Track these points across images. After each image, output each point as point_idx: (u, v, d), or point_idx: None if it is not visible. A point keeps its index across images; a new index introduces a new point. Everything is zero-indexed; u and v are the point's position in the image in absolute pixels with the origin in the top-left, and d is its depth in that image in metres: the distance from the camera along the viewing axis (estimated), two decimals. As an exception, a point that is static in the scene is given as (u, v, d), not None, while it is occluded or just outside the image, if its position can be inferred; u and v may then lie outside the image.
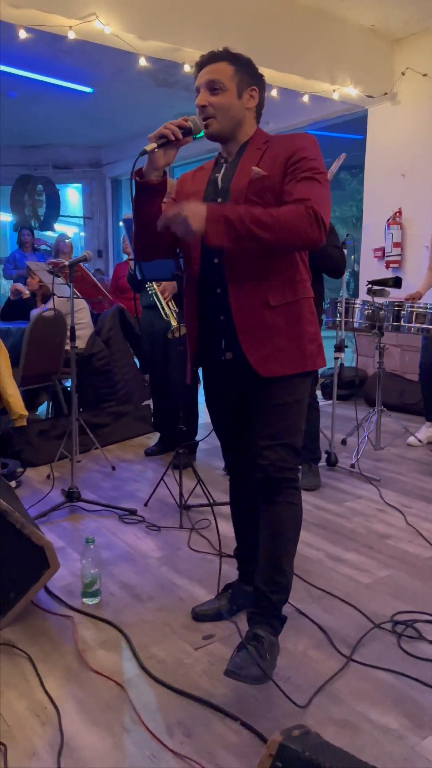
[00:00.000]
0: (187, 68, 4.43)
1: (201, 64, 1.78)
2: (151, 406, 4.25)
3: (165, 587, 2.29)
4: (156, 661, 1.84)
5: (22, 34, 3.83)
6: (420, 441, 4.13)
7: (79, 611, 2.11)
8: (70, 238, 6.32)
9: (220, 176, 1.81)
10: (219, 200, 1.77)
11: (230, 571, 2.30)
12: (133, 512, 2.96)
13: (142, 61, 4.27)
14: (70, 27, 3.77)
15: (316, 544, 2.66)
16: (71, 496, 3.01)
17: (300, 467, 1.85)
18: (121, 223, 9.82)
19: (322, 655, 1.89)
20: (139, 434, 4.45)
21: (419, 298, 3.97)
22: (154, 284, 3.41)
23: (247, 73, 1.77)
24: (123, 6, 3.87)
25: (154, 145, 1.66)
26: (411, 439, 4.18)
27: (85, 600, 2.16)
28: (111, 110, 7.47)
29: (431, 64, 5.12)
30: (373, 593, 2.25)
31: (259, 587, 1.77)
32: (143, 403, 4.77)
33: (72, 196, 10.97)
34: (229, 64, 1.75)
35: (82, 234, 10.44)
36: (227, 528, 2.57)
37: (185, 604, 2.15)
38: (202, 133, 1.77)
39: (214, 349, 1.86)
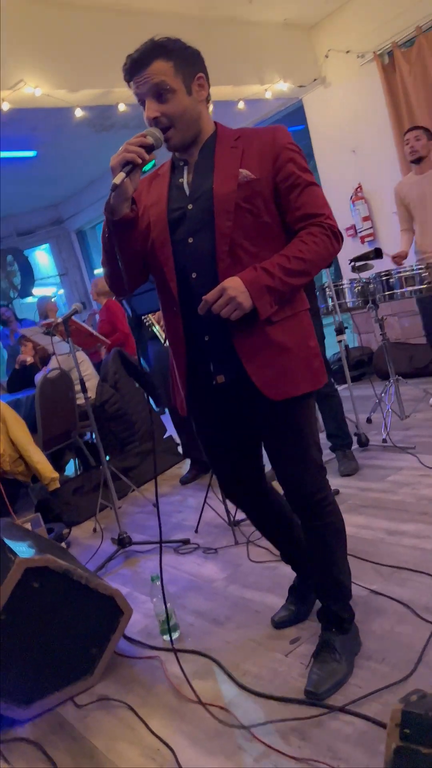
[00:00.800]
0: (122, 107, 4.53)
1: (132, 69, 1.53)
2: (175, 437, 4.29)
3: (238, 605, 2.29)
4: (252, 677, 1.84)
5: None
6: (442, 399, 4.14)
7: (163, 649, 2.11)
8: (53, 297, 6.40)
9: (185, 180, 1.63)
10: (190, 207, 1.60)
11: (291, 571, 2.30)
12: (186, 542, 2.97)
13: (78, 112, 4.37)
14: (3, 99, 3.87)
15: (371, 524, 2.66)
16: (122, 542, 3.02)
17: (327, 480, 1.78)
18: (99, 271, 9.95)
19: (410, 628, 1.88)
20: (170, 466, 4.47)
21: (405, 257, 4.00)
22: (150, 316, 3.46)
23: (186, 61, 1.55)
24: (47, 65, 3.98)
25: (122, 175, 1.48)
26: (433, 400, 4.19)
27: (165, 637, 2.17)
28: (59, 167, 7.61)
29: (350, 39, 5.23)
30: (441, 556, 2.25)
31: (320, 599, 1.82)
32: (165, 436, 4.80)
33: (41, 257, 11.13)
34: (164, 61, 1.51)
35: (61, 291, 10.56)
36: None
37: (263, 616, 2.15)
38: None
39: (202, 375, 1.70)
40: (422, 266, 3.65)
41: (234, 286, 1.50)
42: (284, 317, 1.62)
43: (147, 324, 3.54)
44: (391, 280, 3.67)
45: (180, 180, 1.64)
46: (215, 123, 1.66)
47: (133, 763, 1.64)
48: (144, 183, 1.72)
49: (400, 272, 3.64)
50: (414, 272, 3.62)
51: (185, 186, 1.63)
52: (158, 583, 2.17)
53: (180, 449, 4.34)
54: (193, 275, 1.61)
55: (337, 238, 1.60)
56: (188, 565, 2.75)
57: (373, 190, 5.47)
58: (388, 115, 5.08)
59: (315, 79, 5.48)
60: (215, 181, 1.58)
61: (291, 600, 2.12)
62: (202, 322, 1.62)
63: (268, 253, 1.59)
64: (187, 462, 4.16)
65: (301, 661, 1.86)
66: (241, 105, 5.27)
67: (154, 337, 3.62)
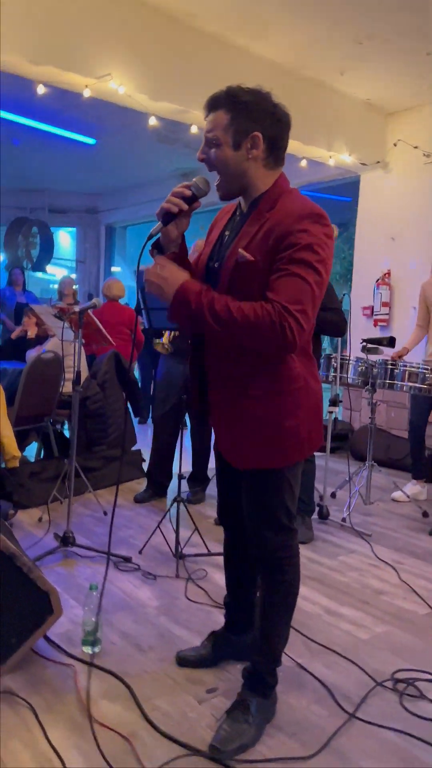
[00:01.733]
0: (194, 129, 4.63)
1: (205, 109, 1.64)
2: (143, 454, 4.28)
3: (165, 637, 2.27)
4: (160, 714, 1.82)
5: (41, 90, 3.99)
6: (407, 496, 4.20)
7: (80, 660, 2.09)
8: (73, 280, 6.46)
9: (228, 234, 1.71)
10: (216, 264, 1.68)
11: (230, 623, 2.30)
12: (128, 560, 2.94)
13: (152, 120, 4.46)
14: (87, 86, 3.94)
15: (313, 598, 2.67)
16: (66, 540, 2.99)
17: (294, 540, 1.79)
18: (116, 269, 10.00)
19: (325, 711, 1.89)
20: (130, 479, 4.45)
21: (405, 354, 4.10)
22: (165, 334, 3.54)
23: (247, 118, 1.57)
24: (138, 68, 4.07)
25: (160, 225, 1.60)
26: (397, 494, 4.24)
27: (85, 648, 2.14)
28: (111, 161, 7.72)
29: (421, 136, 5.43)
30: (372, 649, 2.27)
31: (251, 658, 1.83)
32: (133, 448, 4.78)
33: (64, 239, 11.16)
34: (225, 112, 1.58)
35: (73, 276, 10.58)
36: (222, 578, 2.58)
37: (186, 656, 2.14)
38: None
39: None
40: (429, 367, 3.75)
41: (169, 275, 1.55)
42: (266, 392, 1.61)
43: (155, 340, 3.60)
44: (395, 370, 3.76)
45: (226, 232, 1.72)
46: (276, 182, 1.64)
47: (20, 765, 1.60)
48: (224, 211, 1.81)
49: (406, 366, 3.73)
50: (419, 370, 3.72)
51: (225, 238, 1.71)
52: (96, 593, 2.15)
53: (145, 466, 4.32)
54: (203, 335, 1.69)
55: (283, 330, 1.46)
56: (124, 583, 2.73)
57: (400, 279, 5.63)
58: (434, 216, 5.27)
59: (378, 162, 5.67)
60: (230, 249, 1.64)
61: (205, 644, 2.12)
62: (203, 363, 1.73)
63: None
64: (145, 481, 4.14)
65: (212, 712, 1.85)
66: (303, 163, 5.42)
67: (170, 354, 3.68)
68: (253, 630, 2.02)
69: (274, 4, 3.93)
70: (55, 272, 10.56)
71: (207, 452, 3.87)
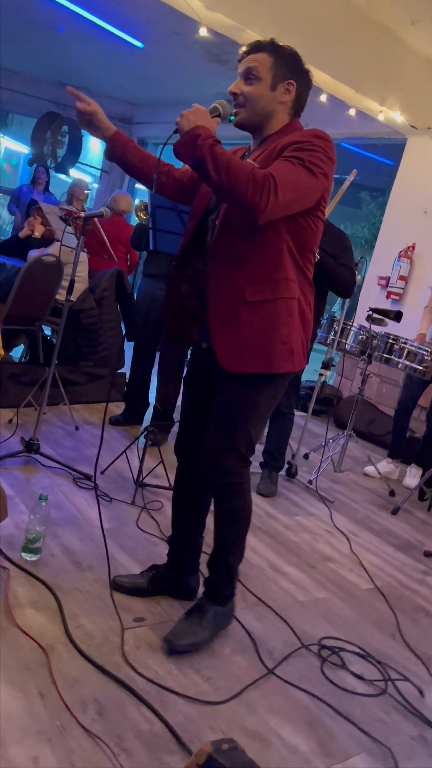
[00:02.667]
0: (243, 49, 4.35)
1: (245, 52, 1.75)
2: (127, 376, 4.22)
3: (105, 561, 2.26)
4: (83, 633, 1.83)
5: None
6: (379, 473, 4.19)
7: (16, 565, 2.08)
8: (89, 188, 6.19)
9: None
10: (215, 217, 1.80)
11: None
12: (88, 477, 2.92)
13: (203, 31, 4.18)
14: (141, -23, 3.66)
15: (260, 550, 2.67)
16: (30, 446, 2.96)
17: (246, 469, 1.88)
18: (137, 185, 9.68)
19: (246, 662, 1.90)
20: (110, 400, 4.40)
21: (424, 341, 4.00)
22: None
23: (287, 66, 1.72)
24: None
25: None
26: (369, 469, 4.23)
27: (24, 555, 2.13)
28: (156, 70, 7.32)
29: None
30: (306, 612, 2.27)
31: (209, 570, 1.94)
32: (119, 371, 4.72)
33: (94, 144, 10.75)
34: (269, 55, 1.71)
35: (96, 185, 10.25)
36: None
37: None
38: (232, 117, 1.75)
39: (185, 332, 1.93)
40: (428, 349, 3.66)
41: (196, 114, 1.62)
42: (262, 300, 1.72)
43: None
44: (395, 345, 3.67)
45: None
46: (290, 123, 1.77)
47: None
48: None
49: (405, 344, 3.64)
50: (419, 351, 3.63)
51: None
52: (44, 504, 2.12)
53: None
54: (208, 239, 1.80)
55: (265, 190, 1.54)
56: (79, 500, 2.72)
57: (423, 255, 5.45)
58: (473, 197, 5.06)
59: (429, 127, 5.38)
60: None
61: (144, 574, 2.12)
62: (198, 284, 1.82)
63: (258, 238, 1.69)
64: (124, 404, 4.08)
65: (135, 641, 1.85)
66: (352, 112, 5.14)
67: (152, 275, 3.52)
68: (195, 576, 2.10)
69: None
70: (80, 177, 10.22)
71: (177, 390, 3.75)
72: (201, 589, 2.00)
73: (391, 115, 5.09)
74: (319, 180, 1.65)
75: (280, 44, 1.73)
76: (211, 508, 1.98)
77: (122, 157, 1.86)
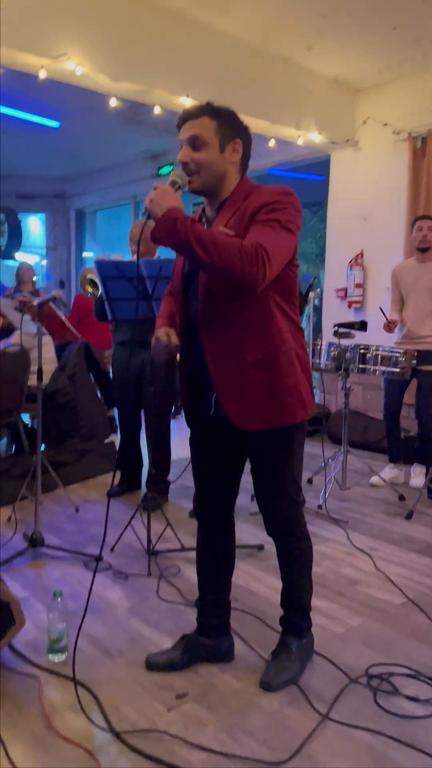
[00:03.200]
0: (157, 110, 4.48)
1: (183, 119, 1.77)
2: (117, 444, 4.20)
3: (135, 640, 2.21)
4: (128, 724, 1.77)
5: (-6, 71, 3.82)
6: (384, 481, 4.17)
7: (45, 669, 2.02)
8: (32, 267, 6.25)
9: None
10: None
11: (202, 623, 2.24)
12: (99, 559, 2.86)
13: (113, 102, 4.30)
14: (42, 66, 3.77)
15: (286, 591, 2.62)
16: (34, 542, 2.91)
17: (300, 511, 1.99)
18: (88, 255, 9.81)
19: (298, 712, 1.85)
20: (103, 472, 4.36)
21: (396, 324, 4.02)
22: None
23: (230, 126, 1.77)
24: (95, 47, 3.91)
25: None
26: (375, 479, 4.22)
27: (51, 657, 2.07)
28: (78, 144, 7.50)
29: (390, 113, 5.33)
30: (346, 644, 2.23)
31: (283, 608, 2.05)
32: (106, 441, 4.69)
33: (34, 225, 10.90)
34: (211, 119, 1.74)
35: (44, 262, 10.35)
36: (195, 574, 2.53)
37: (156, 659, 2.08)
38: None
39: (203, 404, 1.90)
40: (401, 350, 3.70)
41: (163, 196, 1.64)
42: (262, 356, 1.76)
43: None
44: (367, 354, 3.70)
45: None
46: (241, 180, 1.81)
47: (-20, 789, 1.54)
48: None
49: (378, 350, 3.68)
50: (391, 354, 3.67)
51: None
52: (59, 599, 2.08)
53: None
54: (193, 312, 1.83)
55: (257, 261, 1.58)
56: (95, 584, 2.66)
57: (373, 260, 5.56)
58: (406, 195, 5.18)
59: (348, 140, 5.56)
60: None
61: (176, 647, 2.08)
62: (195, 357, 1.85)
63: (244, 299, 1.72)
64: (119, 474, 4.04)
65: (182, 719, 1.79)
66: (272, 143, 5.29)
67: (124, 343, 3.55)
68: (228, 635, 2.09)
69: (235, -23, 3.80)
70: (27, 259, 10.32)
71: (167, 452, 3.72)
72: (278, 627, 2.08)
73: (309, 136, 5.25)
74: (296, 235, 1.72)
75: (216, 105, 1.77)
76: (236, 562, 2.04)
77: None
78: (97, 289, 3.20)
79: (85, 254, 9.89)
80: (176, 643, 2.09)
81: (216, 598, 2.07)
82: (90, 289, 3.36)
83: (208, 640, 2.06)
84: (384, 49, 4.74)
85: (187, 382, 1.93)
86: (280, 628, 2.08)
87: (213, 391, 1.83)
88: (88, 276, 3.36)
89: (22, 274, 6.19)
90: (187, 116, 1.76)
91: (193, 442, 2.02)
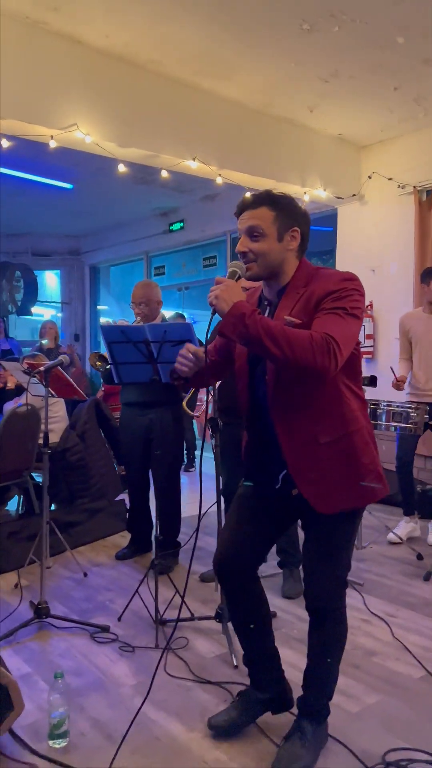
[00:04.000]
0: (164, 173, 4.60)
1: (242, 208, 1.78)
2: (127, 503, 4.14)
3: (140, 723, 2.11)
4: None
5: (5, 143, 3.96)
6: (400, 538, 4.05)
7: (44, 757, 1.93)
8: (54, 324, 6.51)
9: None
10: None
11: (209, 701, 2.15)
12: (105, 629, 2.79)
13: (121, 167, 4.42)
14: (52, 137, 3.90)
15: (299, 664, 2.50)
16: (40, 612, 2.83)
17: (345, 592, 1.94)
18: (102, 308, 9.96)
19: (311, 807, 1.73)
20: (114, 532, 4.30)
21: (405, 381, 4.01)
22: None
23: (288, 215, 1.77)
24: (103, 116, 4.04)
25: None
26: (391, 536, 4.10)
27: (51, 743, 1.98)
28: (90, 204, 7.71)
29: (395, 168, 5.42)
30: (362, 724, 2.11)
31: (304, 689, 1.97)
32: (117, 498, 4.64)
33: (50, 279, 11.14)
34: (269, 209, 1.75)
35: (59, 315, 10.52)
36: (205, 646, 2.44)
37: (162, 745, 1.99)
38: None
39: (270, 477, 1.88)
40: (412, 405, 3.64)
41: (228, 291, 1.64)
42: (336, 438, 1.75)
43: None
44: (378, 410, 3.65)
45: None
46: (300, 264, 1.82)
47: None
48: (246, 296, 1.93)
49: (389, 406, 3.63)
50: (402, 410, 3.61)
51: None
52: (60, 681, 2.00)
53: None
54: (257, 398, 1.85)
55: (329, 351, 1.59)
56: (100, 657, 2.57)
57: (382, 311, 5.56)
58: (414, 247, 5.21)
59: (354, 195, 5.64)
60: None
61: (236, 704, 2.07)
62: (263, 434, 1.85)
63: (312, 383, 1.72)
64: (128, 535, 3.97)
65: None
66: (278, 199, 5.39)
67: (131, 404, 3.54)
68: (284, 682, 2.11)
69: (238, 47, 3.92)
70: (43, 312, 10.51)
71: (177, 512, 3.66)
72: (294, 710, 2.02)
73: (315, 193, 5.34)
74: (361, 319, 1.73)
75: (275, 193, 1.78)
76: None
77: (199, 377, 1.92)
78: (106, 363, 3.23)
79: (99, 307, 10.04)
80: (234, 701, 2.09)
81: (264, 652, 2.06)
82: (99, 364, 3.39)
83: (265, 694, 2.06)
84: (385, 108, 4.84)
85: (253, 453, 1.93)
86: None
87: (283, 467, 1.82)
88: (96, 352, 3.44)
89: (45, 332, 6.43)
90: (246, 206, 1.77)
91: (243, 500, 1.98)
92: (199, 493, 1.87)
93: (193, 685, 2.34)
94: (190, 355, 1.83)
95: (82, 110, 3.95)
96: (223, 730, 2.02)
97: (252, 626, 2.02)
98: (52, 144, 3.96)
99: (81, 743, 2.01)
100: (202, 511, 1.96)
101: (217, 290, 1.65)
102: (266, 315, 1.83)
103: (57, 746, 1.98)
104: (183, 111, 4.40)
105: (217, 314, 1.66)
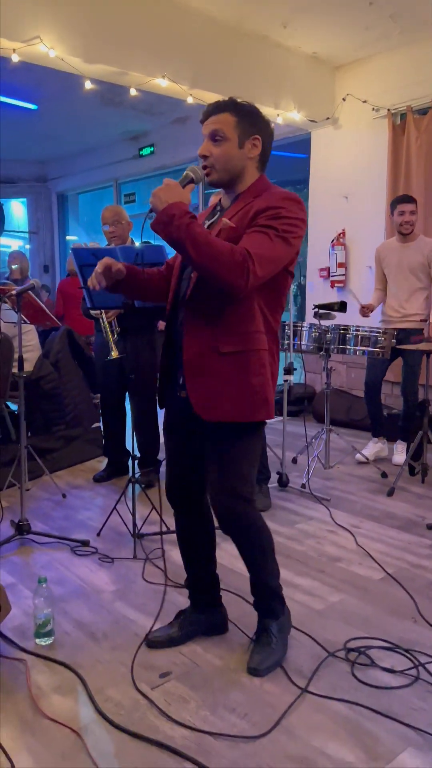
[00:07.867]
0: (133, 91, 4.44)
1: (206, 114, 1.82)
2: (102, 430, 4.23)
3: (119, 623, 2.27)
4: (113, 704, 1.82)
5: (-36, 56, 3.76)
6: (366, 458, 4.24)
7: (32, 653, 2.07)
8: (22, 254, 6.31)
9: (208, 222, 1.89)
10: None
11: (185, 602, 2.30)
12: (85, 543, 2.92)
13: (88, 84, 4.25)
14: (14, 50, 3.72)
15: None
16: (21, 529, 2.95)
17: (252, 509, 1.95)
18: (71, 238, 9.73)
19: (278, 687, 1.91)
20: (90, 458, 4.40)
21: (373, 310, 4.10)
22: (103, 312, 3.40)
23: (250, 122, 1.80)
24: (67, 30, 3.85)
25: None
26: (358, 456, 4.29)
27: (38, 641, 2.12)
28: (57, 127, 7.40)
29: (370, 90, 5.30)
30: (326, 620, 2.30)
31: (253, 595, 2.05)
32: (93, 426, 4.72)
33: (17, 209, 10.79)
34: (232, 115, 1.78)
35: (27, 246, 10.27)
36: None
37: (140, 641, 2.14)
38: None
39: (174, 384, 1.94)
40: (381, 330, 3.73)
41: (167, 191, 1.67)
42: (234, 351, 1.79)
43: (95, 316, 3.47)
44: (347, 335, 3.74)
45: (206, 222, 1.91)
46: (259, 178, 1.85)
47: (-31, 771, 1.59)
48: (201, 215, 1.98)
49: (358, 330, 3.72)
50: (371, 334, 3.70)
51: (206, 227, 1.86)
52: (44, 585, 2.12)
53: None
54: (178, 298, 1.89)
55: (244, 271, 1.62)
56: (81, 568, 2.71)
57: (354, 238, 5.57)
58: (386, 173, 5.17)
59: (327, 118, 5.53)
60: (213, 228, 1.82)
61: (174, 623, 2.16)
62: (180, 339, 1.86)
63: (226, 298, 1.74)
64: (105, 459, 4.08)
65: (166, 697, 1.85)
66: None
67: (100, 330, 3.56)
68: (221, 608, 2.20)
69: None
70: (10, 243, 10.23)
71: (155, 435, 3.77)
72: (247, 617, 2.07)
73: (288, 115, 5.22)
74: (293, 245, 1.75)
75: (239, 101, 1.81)
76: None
77: (137, 291, 2.00)
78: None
79: (68, 237, 9.81)
80: (173, 620, 2.18)
81: (203, 576, 2.15)
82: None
83: (202, 615, 2.16)
84: (361, 25, 4.69)
85: (164, 359, 1.96)
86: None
87: (182, 372, 1.87)
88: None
89: (12, 261, 6.26)
90: (210, 111, 1.81)
91: (165, 422, 2.05)
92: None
93: (170, 589, 2.50)
94: (99, 270, 1.85)
95: (46, 22, 3.76)
96: (161, 645, 2.09)
97: (195, 548, 2.11)
98: (15, 58, 3.79)
99: (66, 641, 2.15)
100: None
101: (157, 188, 1.68)
102: (215, 218, 1.87)
103: (44, 644, 2.12)
104: (153, 25, 4.21)
105: (153, 213, 1.68)
